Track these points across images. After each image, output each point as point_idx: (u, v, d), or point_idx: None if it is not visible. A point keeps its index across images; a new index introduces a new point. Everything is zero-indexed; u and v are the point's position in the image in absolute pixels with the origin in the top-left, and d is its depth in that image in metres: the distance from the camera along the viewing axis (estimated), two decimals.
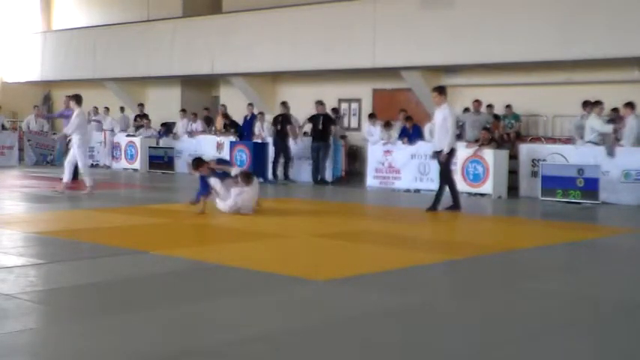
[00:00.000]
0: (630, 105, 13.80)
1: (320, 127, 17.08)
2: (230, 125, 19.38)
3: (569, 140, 15.29)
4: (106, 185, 16.05)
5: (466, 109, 16.71)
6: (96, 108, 22.63)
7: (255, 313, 5.12)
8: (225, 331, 4.63)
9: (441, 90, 11.70)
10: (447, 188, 11.57)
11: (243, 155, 17.91)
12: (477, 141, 14.63)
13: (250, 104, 19.64)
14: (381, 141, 16.36)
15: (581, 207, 12.79)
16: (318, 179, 16.93)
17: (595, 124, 13.85)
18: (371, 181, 16.39)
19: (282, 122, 17.68)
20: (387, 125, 16.65)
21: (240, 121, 19.48)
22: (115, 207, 11.45)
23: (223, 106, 20.97)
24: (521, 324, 4.98)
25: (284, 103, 18.18)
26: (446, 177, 11.58)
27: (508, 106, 16.52)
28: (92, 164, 21.65)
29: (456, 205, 11.50)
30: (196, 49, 21.51)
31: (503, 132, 16.30)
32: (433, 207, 11.31)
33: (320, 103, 17.47)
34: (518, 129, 16.48)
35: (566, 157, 14.04)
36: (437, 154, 11.67)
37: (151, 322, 4.80)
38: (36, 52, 26.68)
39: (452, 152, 11.59)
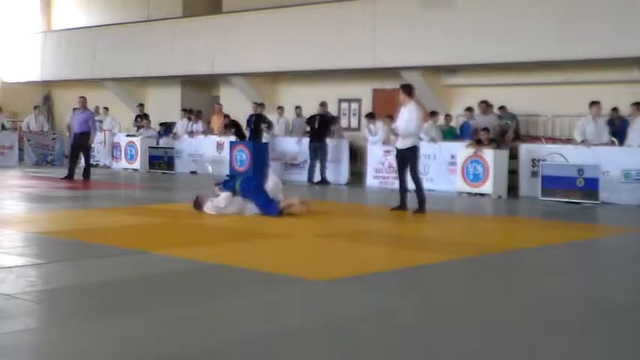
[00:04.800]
0: (638, 105, 13.79)
1: (316, 127, 17.07)
2: (230, 125, 19.37)
3: (569, 140, 15.27)
4: (106, 185, 16.06)
5: (467, 109, 16.68)
6: (97, 108, 22.64)
7: (255, 313, 5.11)
8: (225, 331, 4.63)
9: (404, 88, 11.45)
10: (422, 186, 11.35)
11: (243, 155, 17.91)
12: (477, 141, 14.62)
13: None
14: (381, 141, 16.32)
15: (581, 207, 12.79)
16: (319, 180, 16.87)
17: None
18: (371, 181, 16.39)
19: (256, 122, 17.66)
20: (389, 118, 16.34)
21: (239, 120, 19.47)
22: (115, 207, 11.45)
23: (219, 105, 20.96)
24: (521, 324, 4.98)
25: (261, 105, 18.23)
26: (414, 175, 11.34)
27: (502, 107, 16.39)
28: (92, 164, 21.69)
29: (402, 206, 11.28)
30: (196, 49, 21.51)
31: (510, 131, 16.22)
32: (420, 208, 11.20)
33: (322, 104, 17.47)
34: (515, 128, 16.39)
35: (566, 157, 14.04)
36: (399, 152, 11.36)
37: (151, 322, 4.80)
38: (36, 52, 26.68)
39: (416, 150, 11.28)
